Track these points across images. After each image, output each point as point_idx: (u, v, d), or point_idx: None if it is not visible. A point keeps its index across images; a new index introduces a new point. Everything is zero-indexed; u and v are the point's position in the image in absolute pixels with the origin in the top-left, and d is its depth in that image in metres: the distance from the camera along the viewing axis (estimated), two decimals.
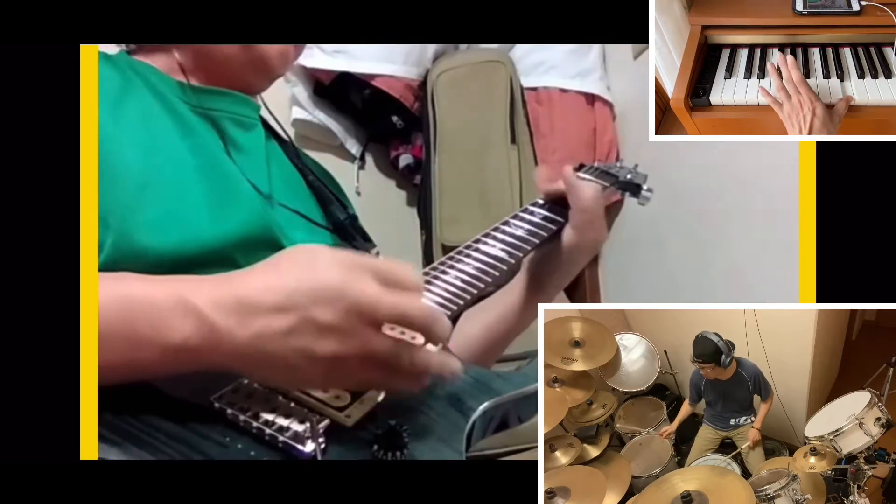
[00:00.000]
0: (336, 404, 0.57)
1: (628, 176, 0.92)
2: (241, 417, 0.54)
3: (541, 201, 0.83)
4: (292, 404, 0.56)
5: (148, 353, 0.53)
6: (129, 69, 0.78)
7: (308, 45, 0.89)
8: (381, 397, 0.58)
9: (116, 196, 0.67)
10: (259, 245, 0.73)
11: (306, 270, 0.54)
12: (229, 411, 0.55)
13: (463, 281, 0.71)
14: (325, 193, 0.91)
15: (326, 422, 0.55)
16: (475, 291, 0.70)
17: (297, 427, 0.54)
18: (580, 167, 0.90)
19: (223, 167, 0.76)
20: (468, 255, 0.74)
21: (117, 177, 0.68)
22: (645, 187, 0.92)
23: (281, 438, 0.53)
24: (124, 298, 0.54)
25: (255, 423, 0.54)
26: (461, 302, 0.68)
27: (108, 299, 0.54)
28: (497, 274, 0.72)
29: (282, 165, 0.89)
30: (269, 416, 0.54)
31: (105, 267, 0.63)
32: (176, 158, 0.73)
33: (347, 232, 0.90)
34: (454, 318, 0.70)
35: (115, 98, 0.73)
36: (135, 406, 0.54)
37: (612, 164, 0.94)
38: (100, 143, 0.67)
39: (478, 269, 0.72)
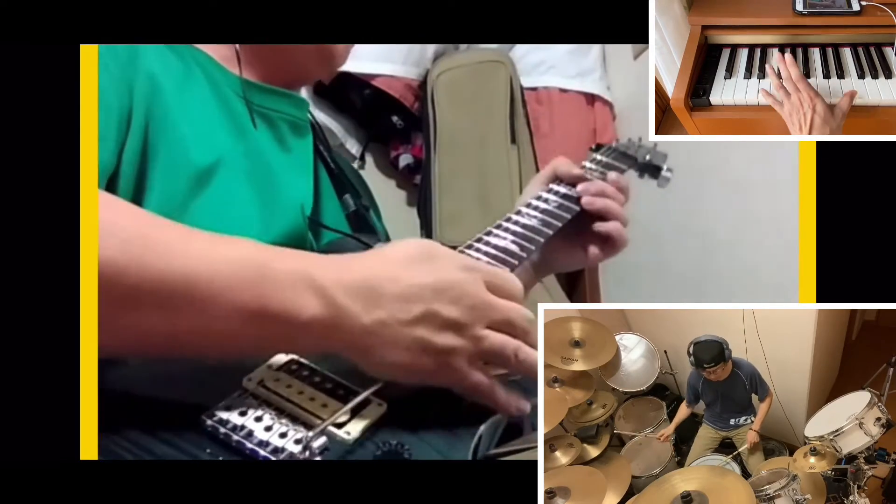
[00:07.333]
0: (335, 420, 0.55)
1: (647, 157, 0.89)
2: (234, 437, 0.53)
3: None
4: (288, 422, 0.55)
5: (277, 328, 0.53)
6: (191, 58, 0.76)
7: None
8: (382, 412, 0.57)
9: (172, 188, 0.67)
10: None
11: (427, 266, 0.57)
12: (222, 430, 0.53)
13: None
14: (344, 181, 0.91)
15: (323, 440, 0.53)
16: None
17: (293, 448, 0.53)
18: (598, 147, 0.87)
19: (272, 173, 0.75)
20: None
21: (175, 171, 0.67)
22: (665, 167, 0.89)
23: (275, 460, 0.52)
24: (256, 271, 0.53)
25: (248, 445, 0.53)
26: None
27: (235, 268, 0.53)
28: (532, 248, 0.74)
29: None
30: (264, 437, 0.53)
31: None
32: (229, 161, 0.72)
33: (361, 220, 0.89)
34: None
35: (179, 89, 0.72)
36: (122, 422, 0.52)
37: (630, 143, 0.92)
38: (165, 134, 0.68)
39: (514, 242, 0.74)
